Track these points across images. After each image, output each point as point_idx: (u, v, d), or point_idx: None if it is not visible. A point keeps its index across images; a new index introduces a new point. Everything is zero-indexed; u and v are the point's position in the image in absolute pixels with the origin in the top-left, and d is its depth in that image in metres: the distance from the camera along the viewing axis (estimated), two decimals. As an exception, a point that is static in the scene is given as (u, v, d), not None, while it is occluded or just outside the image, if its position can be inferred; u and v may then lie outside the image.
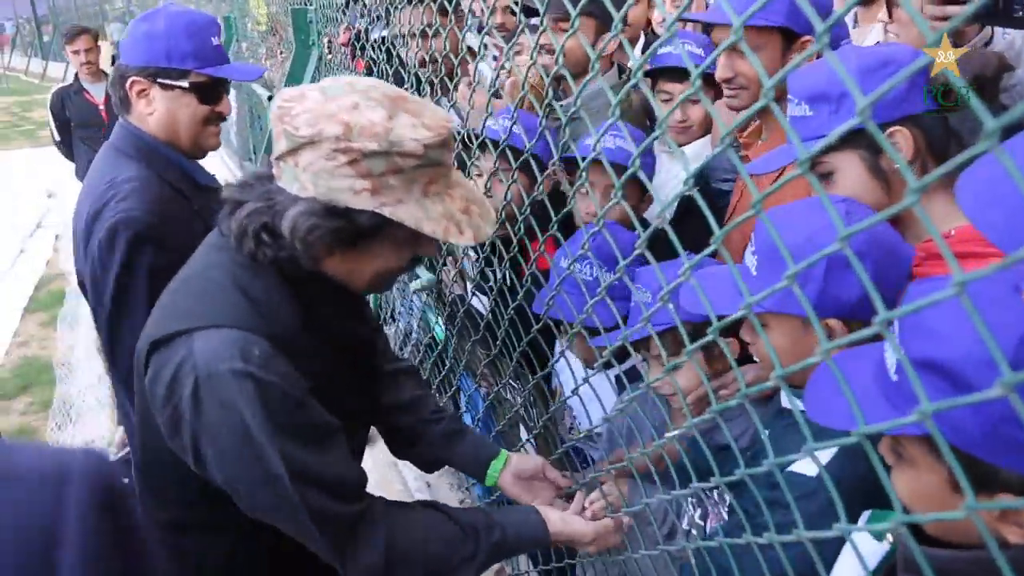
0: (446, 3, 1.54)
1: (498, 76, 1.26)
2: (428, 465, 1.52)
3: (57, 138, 5.04)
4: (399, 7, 2.27)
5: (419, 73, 1.61)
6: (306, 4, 3.68)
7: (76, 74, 4.91)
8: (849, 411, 0.66)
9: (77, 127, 4.90)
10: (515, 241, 1.43)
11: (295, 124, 0.98)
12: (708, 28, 2.00)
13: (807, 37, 1.62)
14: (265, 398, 1.01)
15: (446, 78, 1.73)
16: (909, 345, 0.68)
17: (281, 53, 5.53)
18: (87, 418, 4.14)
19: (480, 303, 1.88)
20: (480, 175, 1.92)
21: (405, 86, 1.79)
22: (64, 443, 3.92)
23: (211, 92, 1.78)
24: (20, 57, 25.76)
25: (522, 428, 1.83)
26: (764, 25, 1.61)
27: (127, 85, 1.76)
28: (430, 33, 1.84)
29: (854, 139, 1.20)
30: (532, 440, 1.77)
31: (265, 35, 5.95)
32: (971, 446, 0.64)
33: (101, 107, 4.84)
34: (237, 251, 1.08)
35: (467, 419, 2.20)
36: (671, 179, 2.17)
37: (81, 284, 1.80)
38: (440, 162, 1.03)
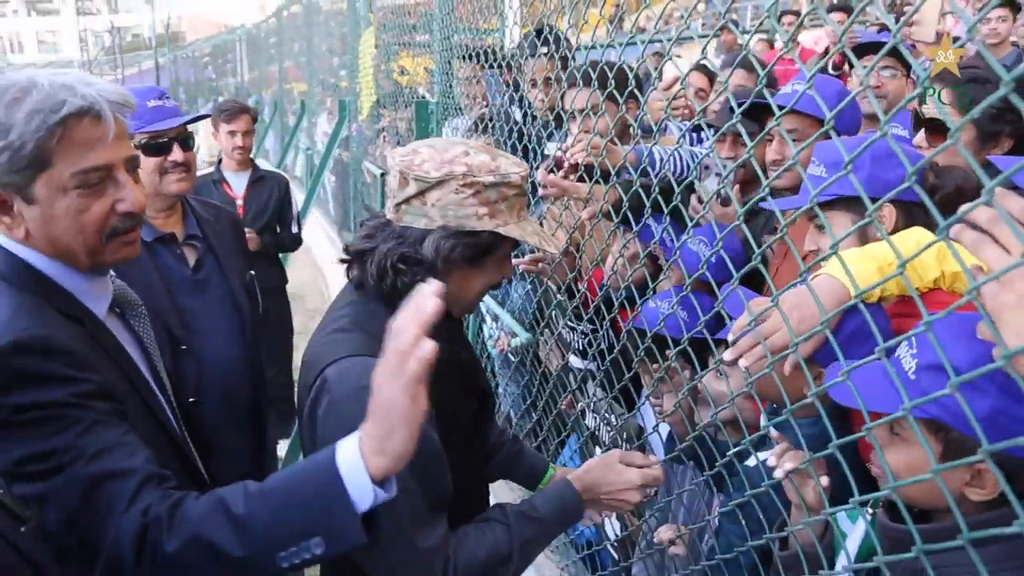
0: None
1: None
2: (492, 479, 1.73)
3: None
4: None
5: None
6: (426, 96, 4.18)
7: (219, 160, 4.21)
8: (890, 399, 0.95)
9: None
10: (616, 305, 1.78)
11: (424, 170, 1.23)
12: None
13: (845, 136, 1.97)
14: None
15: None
16: (923, 356, 0.97)
17: (385, 139, 6.10)
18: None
19: (577, 361, 2.21)
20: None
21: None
22: None
23: (155, 147, 2.15)
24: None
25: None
26: (813, 116, 1.95)
27: None
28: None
29: (850, 204, 1.50)
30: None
31: (370, 123, 6.55)
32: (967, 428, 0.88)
33: (239, 201, 4.09)
34: (374, 290, 1.30)
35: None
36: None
37: None
38: (527, 192, 1.32)
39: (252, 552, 0.98)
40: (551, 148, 2.42)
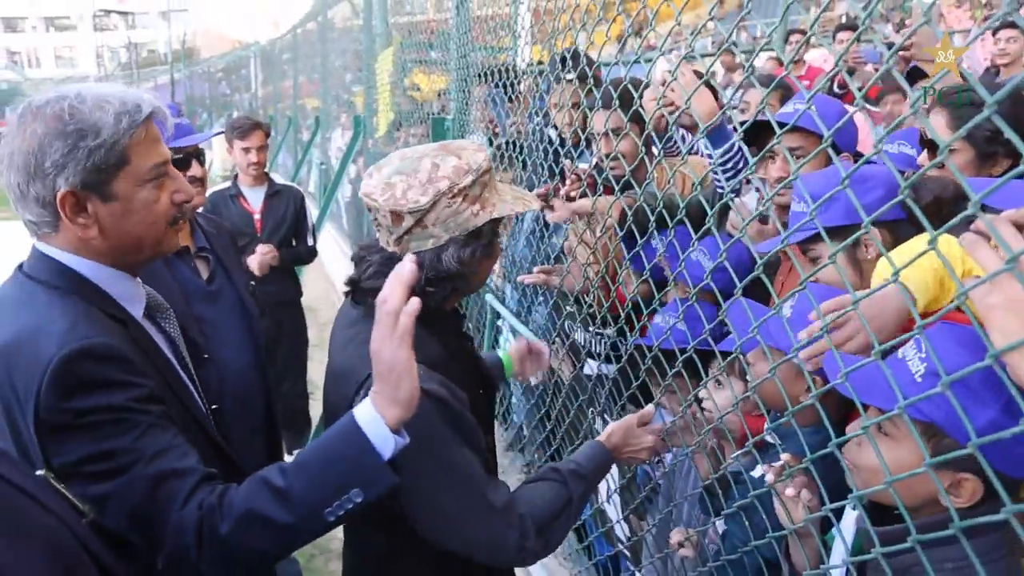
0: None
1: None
2: None
3: None
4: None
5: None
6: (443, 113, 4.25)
7: (235, 176, 4.19)
8: (891, 396, 0.99)
9: None
10: (622, 315, 1.84)
11: (412, 200, 1.28)
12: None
13: (846, 154, 2.06)
14: (433, 405, 1.26)
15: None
16: (932, 362, 1.02)
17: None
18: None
19: (590, 368, 2.27)
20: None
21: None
22: None
23: (175, 162, 2.17)
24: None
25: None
26: (817, 133, 1.97)
27: None
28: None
29: (839, 233, 1.50)
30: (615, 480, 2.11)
31: (387, 140, 6.62)
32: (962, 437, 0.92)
33: (257, 215, 4.12)
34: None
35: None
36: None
37: None
38: (491, 168, 1.38)
39: (300, 515, 1.10)
40: (583, 168, 2.50)
